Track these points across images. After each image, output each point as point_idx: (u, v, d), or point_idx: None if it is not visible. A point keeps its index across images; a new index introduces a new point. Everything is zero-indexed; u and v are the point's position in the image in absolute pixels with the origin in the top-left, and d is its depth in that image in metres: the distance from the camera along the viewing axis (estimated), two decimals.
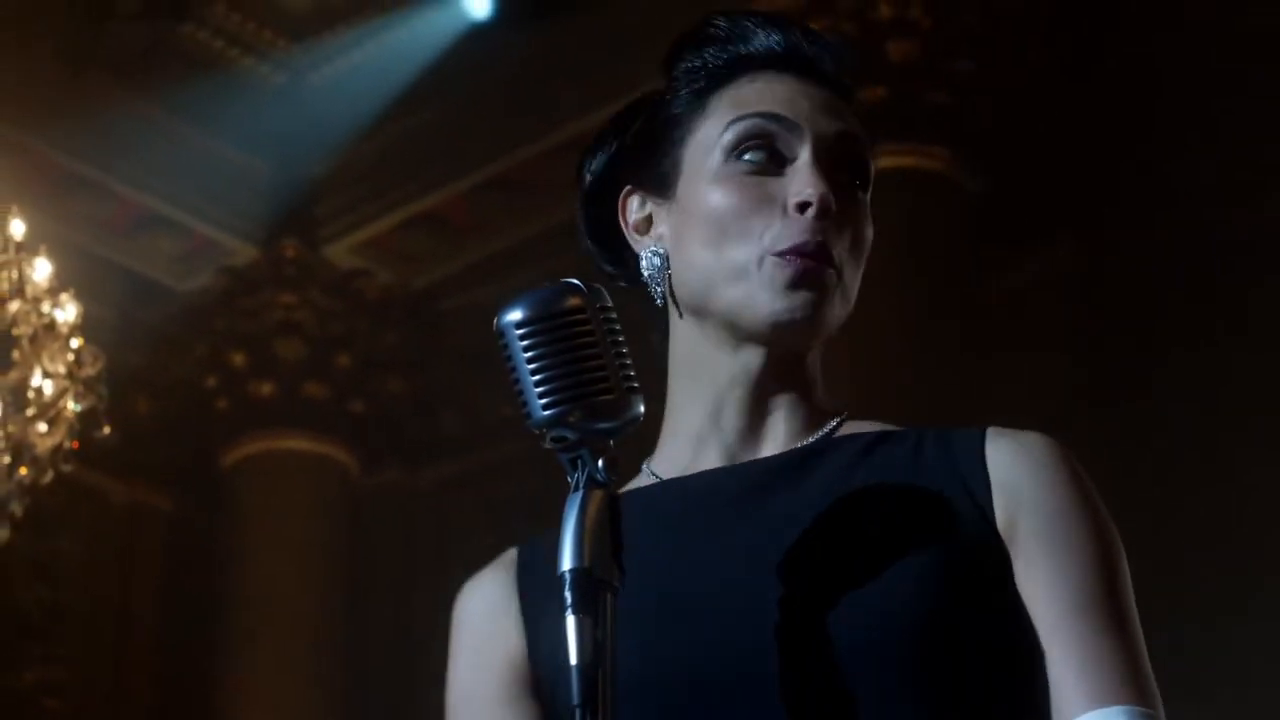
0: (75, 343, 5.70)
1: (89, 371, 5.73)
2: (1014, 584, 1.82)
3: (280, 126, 9.40)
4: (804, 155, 1.91)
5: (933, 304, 7.69)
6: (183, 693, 9.94)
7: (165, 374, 10.11)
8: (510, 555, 1.96)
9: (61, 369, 5.64)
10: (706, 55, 1.98)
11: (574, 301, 1.69)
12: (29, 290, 5.56)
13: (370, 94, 9.25)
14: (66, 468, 5.83)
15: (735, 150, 1.92)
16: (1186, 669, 7.06)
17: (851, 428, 1.95)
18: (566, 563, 1.64)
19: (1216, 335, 7.47)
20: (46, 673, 9.82)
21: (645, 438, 1.77)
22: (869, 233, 1.95)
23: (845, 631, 1.75)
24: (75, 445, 5.77)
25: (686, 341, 1.96)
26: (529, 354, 1.68)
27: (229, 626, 9.56)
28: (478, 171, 9.41)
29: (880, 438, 1.92)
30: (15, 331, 5.56)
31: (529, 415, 1.68)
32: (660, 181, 1.98)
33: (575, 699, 1.59)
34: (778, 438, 1.93)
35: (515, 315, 1.69)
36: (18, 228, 5.62)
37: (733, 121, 1.93)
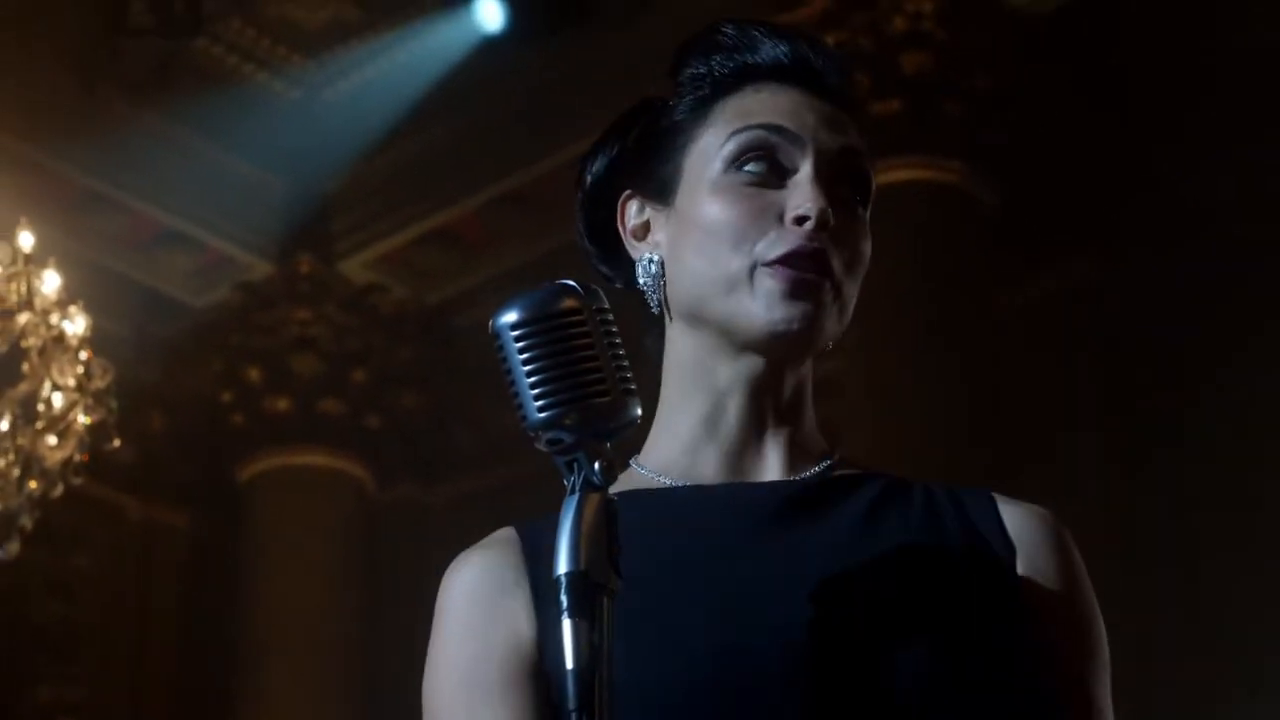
0: (84, 355, 5.69)
1: (98, 384, 5.72)
2: (1030, 637, 1.84)
3: (294, 142, 9.41)
4: (805, 169, 1.90)
5: (946, 316, 7.68)
6: (200, 709, 9.95)
7: (181, 390, 10.12)
8: (508, 534, 1.91)
9: (71, 381, 5.63)
10: (713, 63, 1.97)
11: (570, 303, 1.68)
12: (38, 302, 5.55)
13: (384, 109, 9.26)
14: (77, 481, 5.81)
15: (736, 161, 1.91)
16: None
17: (851, 468, 1.96)
18: (562, 566, 1.62)
19: (1231, 348, 7.46)
20: (63, 690, 9.82)
21: (638, 439, 1.76)
22: (867, 249, 1.94)
23: (874, 672, 1.76)
24: (85, 458, 5.76)
25: (683, 347, 1.95)
26: (524, 356, 1.66)
27: (245, 642, 9.57)
28: (491, 186, 9.42)
29: (894, 483, 1.93)
30: (24, 344, 5.55)
31: (524, 418, 1.66)
32: (660, 188, 1.97)
33: (571, 704, 1.58)
34: (779, 453, 1.93)
35: (510, 316, 1.68)
36: (26, 240, 5.61)
37: (735, 132, 1.92)
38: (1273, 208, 7.48)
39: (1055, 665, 1.84)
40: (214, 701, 9.67)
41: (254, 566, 9.68)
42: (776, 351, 1.91)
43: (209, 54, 9.15)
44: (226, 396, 9.97)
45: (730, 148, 1.91)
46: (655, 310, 1.96)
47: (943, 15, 8.11)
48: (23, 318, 5.51)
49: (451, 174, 9.41)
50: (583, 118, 8.70)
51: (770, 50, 1.96)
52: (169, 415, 10.17)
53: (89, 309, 5.94)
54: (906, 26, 8.10)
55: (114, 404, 5.79)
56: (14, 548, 5.77)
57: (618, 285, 2.01)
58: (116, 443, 5.82)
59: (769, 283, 1.87)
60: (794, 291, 1.87)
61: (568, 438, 1.67)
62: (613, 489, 1.87)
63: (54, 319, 5.60)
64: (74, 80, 8.87)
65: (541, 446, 1.68)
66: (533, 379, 1.66)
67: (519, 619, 1.85)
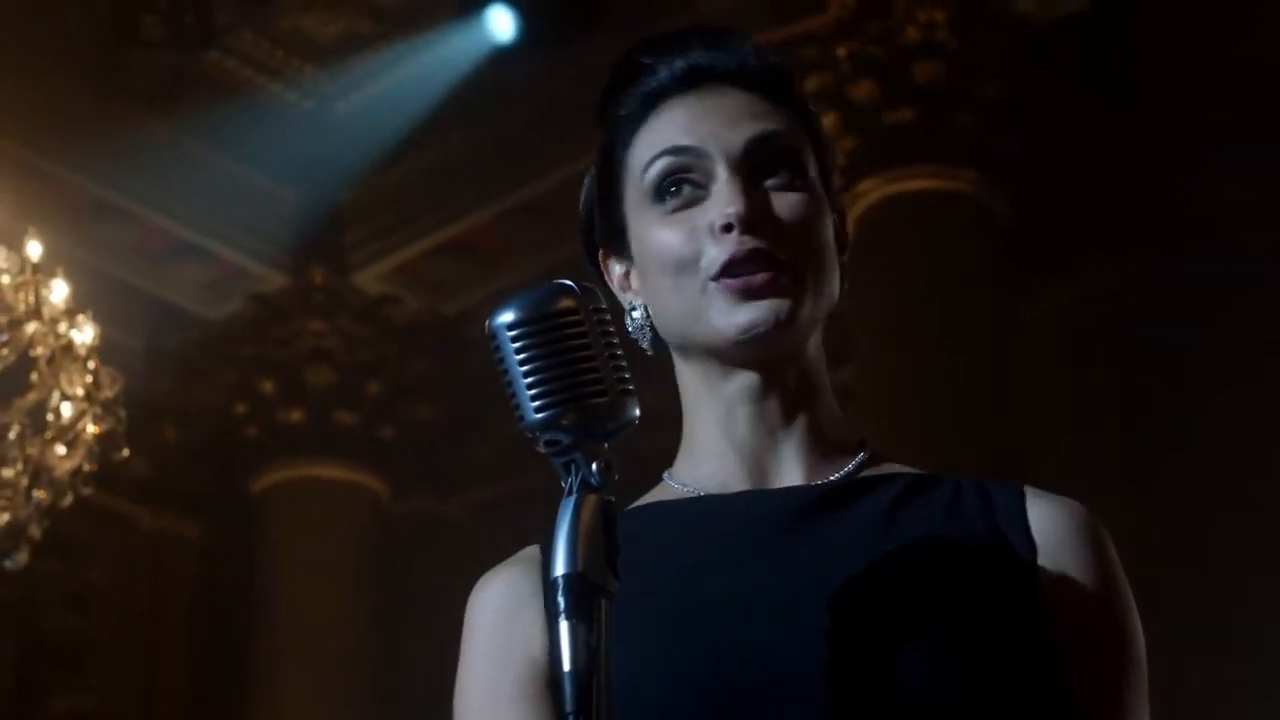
0: (92, 364, 5.69)
1: (107, 393, 5.72)
2: (1049, 638, 1.83)
3: (307, 153, 9.42)
4: (720, 175, 1.91)
5: (959, 324, 7.66)
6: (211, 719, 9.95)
7: (194, 402, 10.13)
8: (531, 552, 1.93)
9: (80, 391, 5.63)
10: (621, 99, 1.99)
11: (567, 303, 1.67)
12: (46, 311, 5.55)
13: (397, 120, 9.26)
14: (86, 491, 5.81)
15: (656, 193, 1.93)
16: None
17: (880, 465, 1.96)
18: (560, 568, 1.62)
19: (1242, 352, 7.46)
20: (76, 701, 9.82)
21: (638, 440, 1.75)
22: (821, 219, 1.93)
23: (891, 674, 1.76)
24: (94, 468, 5.75)
25: (687, 375, 1.98)
26: (521, 356, 1.66)
27: (259, 654, 9.56)
28: (505, 197, 9.42)
29: (919, 481, 1.92)
30: (33, 353, 5.55)
31: (522, 418, 1.66)
32: (618, 240, 2.00)
33: (568, 706, 1.57)
34: (799, 455, 1.94)
35: (507, 317, 1.68)
36: (34, 249, 5.61)
37: (644, 168, 1.94)
38: None
39: (1075, 665, 1.83)
40: (226, 712, 9.67)
41: (267, 578, 9.67)
42: (758, 355, 1.91)
43: (222, 66, 9.15)
44: (240, 408, 9.97)
45: (647, 183, 1.94)
46: (649, 352, 1.97)
47: (955, 25, 8.10)
48: (31, 327, 5.51)
49: (465, 184, 9.41)
50: (596, 127, 8.70)
51: (666, 71, 1.97)
52: (182, 427, 10.17)
53: (100, 320, 5.94)
54: (919, 36, 8.10)
55: (123, 413, 5.78)
56: (22, 558, 5.77)
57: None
58: (125, 452, 5.82)
59: (720, 296, 1.88)
60: (746, 295, 1.88)
61: (565, 438, 1.66)
62: (644, 500, 1.87)
63: (62, 328, 5.60)
64: (85, 90, 8.88)
65: (539, 448, 1.68)
66: (530, 379, 1.66)
67: (534, 633, 1.87)
